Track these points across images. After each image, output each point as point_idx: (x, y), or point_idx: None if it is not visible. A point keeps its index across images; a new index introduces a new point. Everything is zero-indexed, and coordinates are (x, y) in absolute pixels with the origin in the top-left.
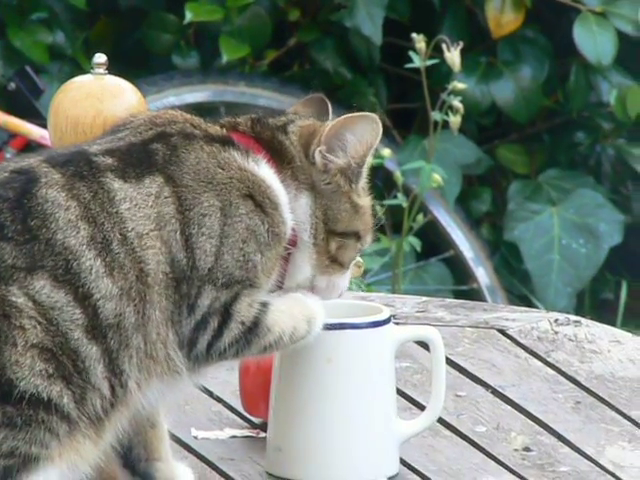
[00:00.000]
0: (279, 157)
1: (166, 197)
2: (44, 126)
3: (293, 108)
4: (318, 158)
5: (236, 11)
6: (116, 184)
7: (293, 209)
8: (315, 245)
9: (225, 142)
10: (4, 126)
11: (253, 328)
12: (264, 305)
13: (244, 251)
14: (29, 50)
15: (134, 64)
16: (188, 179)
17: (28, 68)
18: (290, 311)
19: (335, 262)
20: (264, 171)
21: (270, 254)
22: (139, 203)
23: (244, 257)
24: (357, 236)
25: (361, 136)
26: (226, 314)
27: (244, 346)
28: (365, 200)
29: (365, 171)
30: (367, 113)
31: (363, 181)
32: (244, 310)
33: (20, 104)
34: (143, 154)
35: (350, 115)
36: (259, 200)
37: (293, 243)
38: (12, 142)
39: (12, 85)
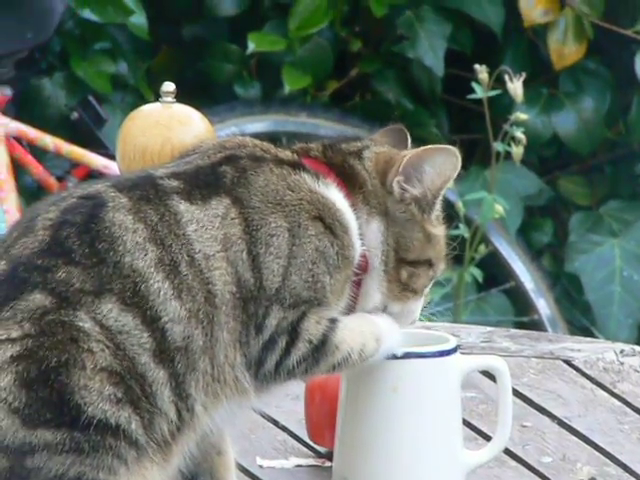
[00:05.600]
0: (350, 182)
1: (233, 218)
2: (107, 156)
3: (372, 137)
4: (396, 188)
5: (298, 42)
6: (182, 206)
7: (364, 234)
8: (385, 272)
9: (295, 165)
10: (67, 155)
11: (321, 346)
12: (332, 322)
13: (313, 272)
14: (92, 80)
15: (197, 94)
16: (256, 201)
17: (91, 98)
18: (359, 329)
19: (407, 289)
20: (334, 194)
21: (339, 276)
22: (206, 225)
23: (313, 278)
24: (429, 264)
25: (439, 168)
26: (294, 333)
27: (313, 364)
28: (439, 229)
29: (439, 202)
30: (447, 146)
31: (437, 211)
32: (312, 328)
33: (83, 134)
34: (211, 176)
35: (430, 147)
36: (328, 222)
37: (364, 269)
38: (75, 171)
39: (75, 115)
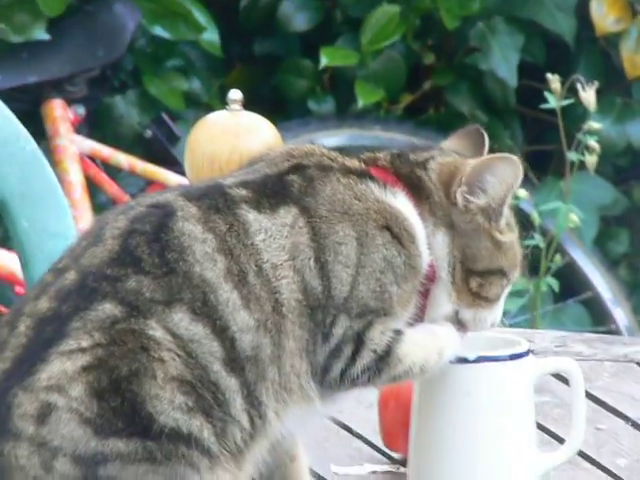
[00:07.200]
0: (417, 192)
1: (300, 227)
2: (181, 173)
3: (448, 140)
4: (459, 199)
5: (371, 55)
6: (251, 215)
7: (430, 245)
8: (453, 284)
9: (362, 175)
10: (142, 173)
11: (385, 357)
12: (397, 333)
13: (380, 282)
14: (165, 97)
15: (270, 110)
16: (323, 210)
17: (164, 115)
18: (423, 342)
19: (479, 298)
20: (401, 203)
21: (406, 286)
22: (274, 234)
23: (380, 288)
24: (501, 272)
25: (502, 178)
26: (359, 342)
27: (375, 374)
28: (509, 236)
29: (506, 209)
30: (508, 155)
31: (505, 218)
32: (377, 338)
33: (157, 151)
34: (278, 185)
35: (491, 156)
36: (396, 232)
37: (431, 279)
38: (149, 189)
39: (149, 133)
